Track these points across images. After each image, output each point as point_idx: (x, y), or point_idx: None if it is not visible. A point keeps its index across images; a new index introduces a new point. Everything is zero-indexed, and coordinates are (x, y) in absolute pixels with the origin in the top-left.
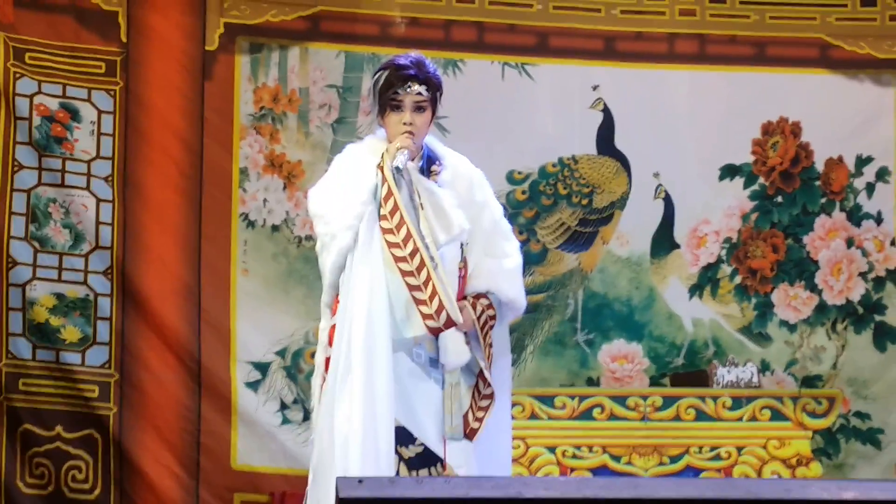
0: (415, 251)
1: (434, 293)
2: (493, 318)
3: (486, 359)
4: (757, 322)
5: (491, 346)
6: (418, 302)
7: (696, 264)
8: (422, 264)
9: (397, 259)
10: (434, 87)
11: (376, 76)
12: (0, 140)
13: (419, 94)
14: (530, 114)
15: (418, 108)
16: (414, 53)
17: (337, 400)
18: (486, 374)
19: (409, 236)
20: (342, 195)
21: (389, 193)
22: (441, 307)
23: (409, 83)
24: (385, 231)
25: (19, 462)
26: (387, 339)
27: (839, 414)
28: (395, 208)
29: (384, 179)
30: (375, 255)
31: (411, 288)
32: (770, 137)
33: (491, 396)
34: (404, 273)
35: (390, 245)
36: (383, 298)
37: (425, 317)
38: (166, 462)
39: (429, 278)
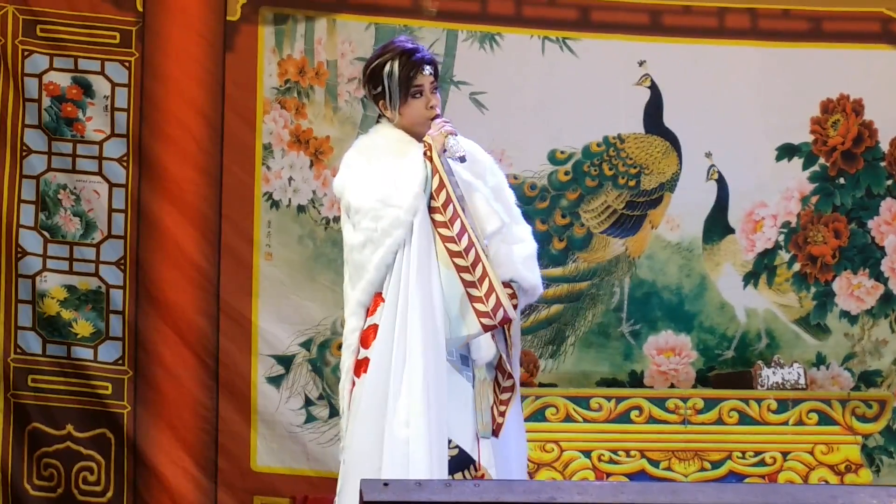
0: (470, 246)
1: (491, 290)
2: (514, 307)
3: (507, 349)
4: (815, 313)
5: (511, 335)
6: (473, 299)
7: (751, 250)
8: (477, 259)
9: (452, 254)
10: (437, 67)
11: (386, 66)
12: (8, 124)
13: (431, 74)
14: (573, 90)
15: (434, 90)
16: (402, 36)
17: (390, 405)
18: (506, 364)
19: (463, 230)
20: (388, 187)
21: (442, 185)
22: (498, 304)
23: (423, 66)
24: (438, 224)
25: (27, 463)
26: (444, 340)
27: (892, 417)
28: (449, 200)
29: (434, 170)
30: (432, 251)
31: (466, 284)
32: (830, 116)
33: (512, 389)
34: (460, 269)
35: (444, 239)
36: (440, 297)
37: (481, 314)
38: (183, 463)
39: (485, 274)
